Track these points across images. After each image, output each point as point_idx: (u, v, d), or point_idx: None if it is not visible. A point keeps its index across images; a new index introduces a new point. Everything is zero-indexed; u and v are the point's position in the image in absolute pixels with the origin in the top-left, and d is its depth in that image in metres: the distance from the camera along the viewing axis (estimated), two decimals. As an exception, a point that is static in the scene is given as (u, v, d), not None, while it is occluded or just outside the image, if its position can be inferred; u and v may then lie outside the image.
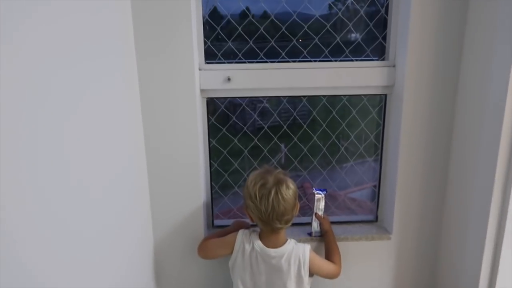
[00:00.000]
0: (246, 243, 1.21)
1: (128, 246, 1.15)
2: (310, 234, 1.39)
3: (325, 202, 1.38)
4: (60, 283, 0.73)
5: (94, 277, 0.88)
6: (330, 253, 1.32)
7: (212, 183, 1.44)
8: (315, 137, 1.47)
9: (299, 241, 1.26)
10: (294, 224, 1.34)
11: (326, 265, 1.27)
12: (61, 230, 0.74)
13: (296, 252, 1.20)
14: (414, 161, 1.34)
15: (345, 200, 1.61)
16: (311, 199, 1.38)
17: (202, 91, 1.31)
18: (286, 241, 1.22)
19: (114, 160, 1.03)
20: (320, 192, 1.37)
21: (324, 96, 1.43)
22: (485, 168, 1.16)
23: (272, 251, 1.19)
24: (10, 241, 0.58)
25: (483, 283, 1.21)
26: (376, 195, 1.49)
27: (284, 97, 1.44)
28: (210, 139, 1.40)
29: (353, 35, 1.41)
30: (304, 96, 1.44)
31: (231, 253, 1.23)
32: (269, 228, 1.18)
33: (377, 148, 1.46)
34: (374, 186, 1.51)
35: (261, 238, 1.21)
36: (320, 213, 1.37)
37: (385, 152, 1.43)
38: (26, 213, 0.63)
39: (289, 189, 1.15)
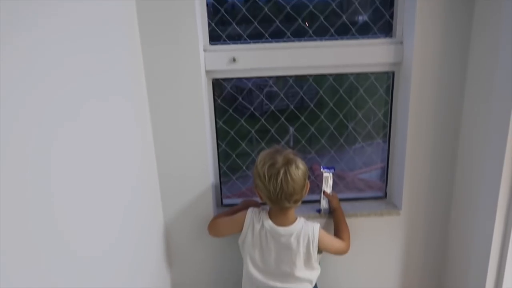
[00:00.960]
0: (255, 221, 1.23)
1: (139, 227, 1.18)
2: (319, 211, 1.40)
3: (334, 181, 1.39)
4: (71, 262, 0.76)
5: (105, 259, 0.91)
6: (339, 230, 1.33)
7: (220, 163, 1.45)
8: (322, 117, 1.46)
9: (308, 218, 1.27)
10: (303, 202, 1.35)
11: (335, 243, 1.28)
12: (71, 210, 0.76)
13: (306, 230, 1.21)
14: (423, 137, 1.33)
15: (355, 180, 1.62)
16: (319, 180, 1.39)
17: (207, 72, 1.32)
18: (295, 220, 1.23)
19: (122, 143, 1.05)
20: (328, 170, 1.37)
21: (330, 75, 1.42)
22: (495, 144, 1.14)
23: (281, 230, 1.21)
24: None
25: (494, 255, 1.21)
26: (385, 174, 1.49)
27: (290, 76, 1.44)
28: (217, 120, 1.41)
29: (359, 14, 1.39)
30: (310, 76, 1.43)
31: (241, 231, 1.25)
32: (278, 207, 1.19)
33: (385, 126, 1.45)
34: (383, 168, 1.51)
35: (270, 216, 1.23)
36: (329, 191, 1.38)
37: (394, 129, 1.43)
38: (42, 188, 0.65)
39: (299, 169, 1.15)
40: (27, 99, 0.62)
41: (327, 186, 1.38)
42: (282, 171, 1.13)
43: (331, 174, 1.37)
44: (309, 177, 1.23)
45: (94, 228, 0.86)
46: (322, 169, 1.37)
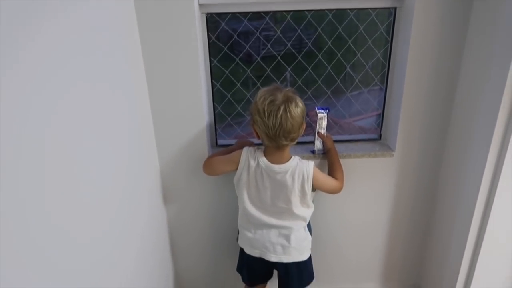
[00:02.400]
0: (251, 160, 1.23)
1: (134, 168, 1.18)
2: (313, 152, 1.41)
3: (330, 124, 1.37)
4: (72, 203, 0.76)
5: (100, 201, 0.91)
6: (332, 170, 1.34)
7: (216, 104, 1.42)
8: (319, 56, 1.42)
9: (302, 158, 1.27)
10: (297, 143, 1.35)
11: (329, 181, 1.30)
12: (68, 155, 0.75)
13: (300, 168, 1.22)
14: (421, 79, 1.30)
15: (351, 127, 1.61)
16: (315, 122, 1.38)
17: (201, 5, 1.25)
18: (290, 158, 1.24)
19: (114, 84, 1.01)
20: (322, 111, 1.35)
21: (330, 10, 1.36)
22: (492, 89, 1.13)
23: (276, 167, 1.22)
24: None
25: (481, 199, 1.24)
26: (381, 118, 1.48)
27: (288, 12, 1.37)
28: (211, 59, 1.36)
29: None
30: (309, 11, 1.36)
31: (236, 169, 1.26)
32: (274, 144, 1.19)
33: (384, 67, 1.42)
34: (379, 115, 1.49)
35: (266, 154, 1.23)
36: (323, 131, 1.37)
37: (392, 70, 1.39)
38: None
39: (298, 107, 1.14)
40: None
41: (321, 127, 1.37)
42: (282, 108, 1.12)
43: (326, 115, 1.36)
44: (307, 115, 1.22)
45: (91, 170, 0.86)
46: (316, 110, 1.36)
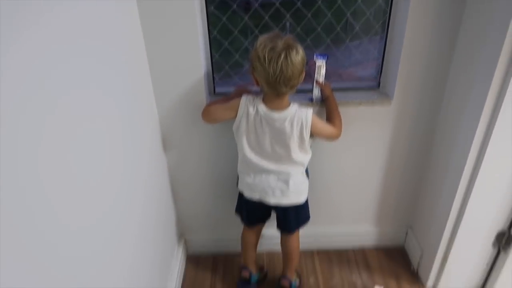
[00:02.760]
0: (250, 107, 1.24)
1: (134, 119, 1.19)
2: (311, 100, 1.42)
3: (328, 73, 1.36)
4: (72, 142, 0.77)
5: (101, 152, 0.93)
6: (331, 117, 1.36)
7: (213, 52, 1.40)
8: (319, 2, 1.38)
9: (302, 105, 1.28)
10: (296, 91, 1.35)
11: (327, 128, 1.32)
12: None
13: (299, 115, 1.24)
14: (423, 26, 1.28)
15: (350, 77, 1.59)
16: (313, 71, 1.37)
17: None
18: (289, 105, 1.25)
19: (109, 34, 0.99)
20: (321, 58, 1.34)
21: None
22: (493, 37, 1.12)
23: (275, 114, 1.23)
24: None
25: (475, 147, 1.27)
26: (380, 65, 1.47)
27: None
28: (208, 5, 1.32)
29: None
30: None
31: (235, 117, 1.27)
32: (274, 92, 1.19)
33: (386, 13, 1.38)
34: (379, 65, 1.47)
35: (264, 102, 1.24)
36: (321, 79, 1.37)
37: (393, 16, 1.36)
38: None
39: (298, 54, 1.14)
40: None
41: (320, 75, 1.36)
42: (283, 55, 1.12)
43: (324, 63, 1.34)
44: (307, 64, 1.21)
45: (90, 120, 0.87)
46: (315, 57, 1.34)
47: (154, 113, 1.39)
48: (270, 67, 1.13)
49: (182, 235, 1.79)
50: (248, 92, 1.32)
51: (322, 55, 1.34)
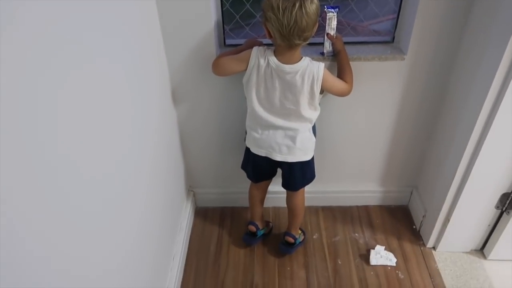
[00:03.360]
0: (261, 59, 1.22)
1: (145, 73, 1.18)
2: (322, 53, 1.39)
3: (342, 26, 1.32)
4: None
5: (112, 104, 0.93)
6: (342, 72, 1.34)
7: (223, 0, 1.36)
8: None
9: (312, 59, 1.26)
10: (307, 44, 1.33)
11: (338, 83, 1.30)
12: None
13: (311, 68, 1.22)
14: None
15: (365, 31, 1.54)
16: (325, 22, 1.33)
17: None
18: (301, 58, 1.22)
19: None
20: (332, 9, 1.29)
21: None
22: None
23: (287, 67, 1.21)
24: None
25: (485, 110, 1.25)
26: (396, 20, 1.42)
27: None
28: None
29: None
30: None
31: (246, 69, 1.26)
32: (287, 43, 1.16)
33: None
34: (395, 19, 1.42)
35: (276, 54, 1.22)
36: (332, 32, 1.33)
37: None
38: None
39: (313, 4, 1.11)
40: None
41: (331, 27, 1.32)
42: (297, 4, 1.08)
43: (335, 14, 1.30)
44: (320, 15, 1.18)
45: (101, 74, 0.86)
46: (325, 9, 1.30)
47: (164, 66, 1.38)
48: (284, 18, 1.09)
49: (191, 188, 1.83)
50: (259, 44, 1.29)
51: (334, 6, 1.30)
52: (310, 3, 1.10)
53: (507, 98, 1.19)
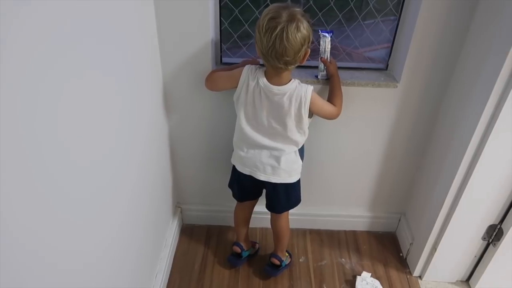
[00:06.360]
0: (251, 78, 1.23)
1: (139, 78, 1.18)
2: (317, 77, 1.40)
3: (337, 51, 1.34)
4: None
5: (103, 107, 0.92)
6: (332, 96, 1.34)
7: (222, 18, 1.38)
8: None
9: (304, 83, 1.27)
10: (302, 67, 1.35)
11: (326, 106, 1.31)
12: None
13: (299, 91, 1.22)
14: (436, 12, 1.25)
15: (360, 57, 1.57)
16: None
17: None
18: (290, 80, 1.23)
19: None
20: (326, 34, 1.32)
21: None
22: (505, 29, 1.09)
23: (275, 88, 1.22)
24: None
25: (475, 140, 1.26)
26: (390, 48, 1.45)
27: None
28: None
29: None
30: None
31: (236, 86, 1.26)
32: (270, 65, 1.17)
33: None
34: (390, 47, 1.45)
35: (266, 75, 1.22)
36: (326, 56, 1.35)
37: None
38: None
39: (298, 32, 1.09)
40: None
41: (324, 51, 1.34)
42: (279, 27, 1.07)
43: (329, 38, 1.32)
44: (312, 43, 1.18)
45: (94, 77, 0.85)
46: (319, 33, 1.32)
47: (159, 76, 1.38)
48: (265, 38, 1.09)
49: (178, 204, 1.80)
50: (255, 63, 1.30)
51: (328, 31, 1.32)
52: (295, 29, 1.08)
53: (495, 131, 1.21)
